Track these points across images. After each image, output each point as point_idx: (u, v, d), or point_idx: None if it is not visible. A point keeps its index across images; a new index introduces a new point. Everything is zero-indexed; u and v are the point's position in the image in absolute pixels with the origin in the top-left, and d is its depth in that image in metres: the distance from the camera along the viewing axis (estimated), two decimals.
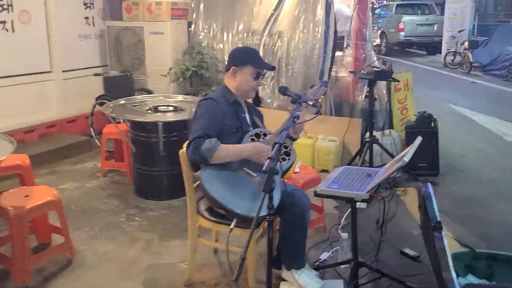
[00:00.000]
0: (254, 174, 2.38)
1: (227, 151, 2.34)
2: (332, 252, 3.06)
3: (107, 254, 3.04)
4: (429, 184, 2.42)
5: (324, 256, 3.04)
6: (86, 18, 5.55)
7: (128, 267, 2.89)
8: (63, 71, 5.33)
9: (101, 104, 5.10)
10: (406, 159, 2.08)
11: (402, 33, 14.45)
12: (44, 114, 5.18)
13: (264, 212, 2.24)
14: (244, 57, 2.55)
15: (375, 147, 4.19)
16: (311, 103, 2.35)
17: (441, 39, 13.35)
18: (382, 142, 4.27)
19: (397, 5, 15.97)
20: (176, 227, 3.42)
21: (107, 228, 3.40)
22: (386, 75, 3.90)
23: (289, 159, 2.51)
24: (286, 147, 2.51)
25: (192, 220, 2.63)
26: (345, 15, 4.70)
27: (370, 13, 4.59)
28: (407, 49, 16.09)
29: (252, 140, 2.50)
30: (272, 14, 5.02)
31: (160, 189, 3.90)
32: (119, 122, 4.80)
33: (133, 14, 5.39)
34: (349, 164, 4.45)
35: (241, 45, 5.10)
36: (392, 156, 4.35)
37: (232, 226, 2.28)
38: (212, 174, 2.37)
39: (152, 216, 3.59)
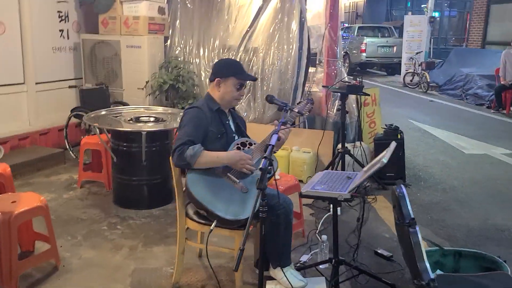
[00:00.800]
0: (237, 180, 2.52)
1: (209, 157, 2.48)
2: (311, 255, 3.22)
3: (92, 260, 3.07)
4: (402, 186, 2.63)
5: (304, 258, 3.19)
6: (61, 30, 5.57)
7: (114, 272, 2.93)
8: (36, 83, 5.31)
9: (76, 116, 5.12)
10: (385, 160, 2.28)
11: (364, 54, 15.08)
12: (16, 126, 5.12)
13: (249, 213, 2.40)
14: (228, 69, 2.71)
15: (347, 157, 4.43)
16: (296, 110, 2.54)
17: (400, 61, 14.04)
18: (353, 153, 4.51)
19: (359, 27, 16.68)
20: (158, 234, 3.49)
21: (89, 236, 3.42)
22: (357, 89, 4.16)
23: (271, 167, 2.66)
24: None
25: (181, 222, 2.73)
26: (317, 33, 4.97)
27: (340, 32, 4.88)
28: (368, 70, 16.77)
29: (238, 148, 2.65)
30: (247, 31, 5.24)
31: (140, 198, 3.96)
32: (94, 134, 4.85)
33: (110, 28, 5.46)
34: None
35: (217, 60, 5.27)
36: (363, 166, 4.60)
37: (212, 227, 2.43)
38: (197, 177, 2.50)
39: (133, 224, 3.64)
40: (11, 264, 2.62)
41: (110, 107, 5.10)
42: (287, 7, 4.93)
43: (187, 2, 5.66)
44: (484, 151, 6.06)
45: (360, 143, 4.74)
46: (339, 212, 3.87)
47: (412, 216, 2.46)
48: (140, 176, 3.90)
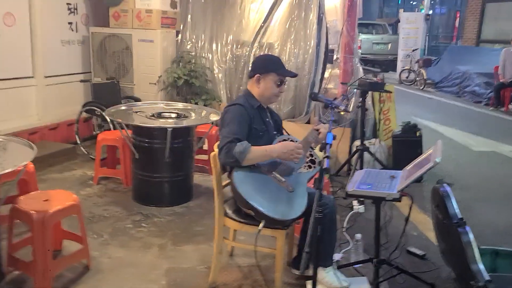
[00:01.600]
0: (283, 179, 2.48)
1: (258, 152, 2.42)
2: (343, 253, 3.20)
3: (122, 259, 3.00)
4: (446, 185, 2.63)
5: (337, 256, 3.16)
6: (70, 23, 5.44)
7: (148, 271, 2.87)
8: (45, 77, 5.18)
9: (88, 111, 5.00)
10: (438, 160, 2.26)
11: (359, 51, 15.10)
12: (25, 120, 5.00)
13: (300, 212, 2.37)
14: (268, 65, 2.66)
15: (365, 154, 4.42)
16: (342, 108, 2.50)
17: (395, 58, 14.10)
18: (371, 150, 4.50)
19: None
20: (186, 232, 3.43)
21: (115, 234, 3.35)
22: (379, 86, 4.14)
23: (314, 167, 2.63)
24: (311, 155, 2.63)
25: (219, 221, 2.67)
26: (334, 29, 4.93)
27: (357, 29, 4.85)
28: (363, 67, 16.82)
29: None
30: (261, 26, 5.18)
31: (162, 195, 3.89)
32: (107, 130, 4.75)
33: (121, 21, 5.35)
34: (338, 171, 4.67)
35: (231, 55, 5.20)
36: (381, 163, 4.61)
37: (260, 227, 2.38)
38: (243, 177, 2.45)
39: (158, 222, 3.57)
40: (46, 264, 2.54)
41: (121, 102, 5.00)
42: (305, 2, 4.88)
43: None
44: (491, 148, 6.12)
45: (377, 140, 4.73)
46: (362, 210, 3.91)
47: (460, 215, 2.46)
48: (162, 173, 3.83)
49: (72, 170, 4.67)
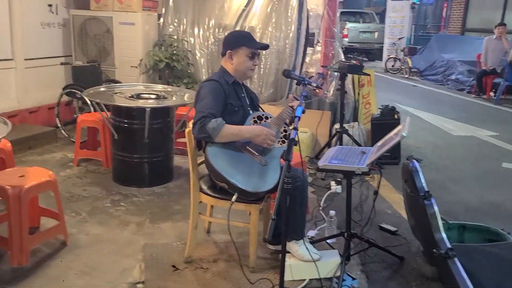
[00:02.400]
0: (256, 153, 2.53)
1: (231, 131, 2.47)
2: (318, 230, 3.27)
3: (100, 236, 3.04)
4: (414, 160, 2.70)
5: (311, 233, 3.24)
6: (49, 5, 5.39)
7: (124, 247, 2.91)
8: (25, 59, 5.14)
9: (68, 94, 4.99)
10: (405, 134, 2.33)
11: (346, 39, 15.15)
12: (4, 103, 4.96)
13: (272, 184, 2.42)
14: (238, 39, 2.69)
15: (344, 137, 4.48)
16: (314, 85, 2.55)
17: (381, 47, 14.18)
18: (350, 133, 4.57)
19: (341, 12, 16.70)
20: (164, 211, 3.47)
21: (94, 213, 3.38)
22: (358, 69, 4.20)
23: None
24: (285, 131, 2.68)
25: (195, 197, 2.72)
26: (316, 13, 4.96)
27: (338, 12, 4.89)
28: (349, 55, 16.87)
29: (255, 122, 2.65)
30: (243, 10, 5.20)
31: (141, 176, 3.92)
32: (88, 112, 4.75)
33: (102, 4, 5.31)
34: (318, 154, 4.74)
35: (213, 39, 5.21)
36: (360, 145, 4.68)
37: (233, 199, 2.43)
38: (217, 150, 2.49)
39: (137, 201, 3.61)
40: (22, 239, 2.57)
41: (102, 85, 4.99)
42: None
43: None
44: (470, 133, 6.24)
45: (357, 124, 4.80)
46: (339, 190, 3.98)
47: (427, 189, 2.53)
48: (141, 153, 3.85)
49: (52, 153, 4.67)
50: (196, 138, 2.55)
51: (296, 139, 2.09)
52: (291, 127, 2.51)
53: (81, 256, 2.77)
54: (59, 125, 5.04)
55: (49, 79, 5.41)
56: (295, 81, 4.93)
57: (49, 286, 2.48)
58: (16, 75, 5.09)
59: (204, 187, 2.71)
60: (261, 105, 2.91)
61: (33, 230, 2.99)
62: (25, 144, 4.69)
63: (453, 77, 10.73)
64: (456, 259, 2.22)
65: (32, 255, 2.71)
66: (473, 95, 9.39)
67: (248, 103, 2.76)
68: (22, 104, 5.15)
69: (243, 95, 2.73)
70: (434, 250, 2.27)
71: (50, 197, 3.43)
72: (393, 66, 12.97)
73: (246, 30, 5.16)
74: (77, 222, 3.21)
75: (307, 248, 2.64)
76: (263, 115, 2.68)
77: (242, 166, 2.46)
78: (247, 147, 2.54)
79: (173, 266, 2.71)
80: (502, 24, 9.05)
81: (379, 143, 2.69)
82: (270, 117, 2.68)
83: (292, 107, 2.65)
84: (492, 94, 9.08)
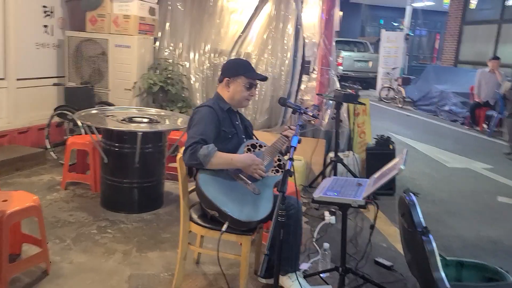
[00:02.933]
0: (249, 182, 2.45)
1: (223, 159, 2.40)
2: (311, 263, 3.16)
3: (84, 264, 2.91)
4: (412, 194, 2.63)
5: (304, 266, 3.12)
6: (45, 26, 5.36)
7: (109, 277, 2.78)
8: (17, 79, 5.08)
9: (59, 115, 4.91)
10: (403, 167, 2.26)
11: (341, 67, 15.29)
12: None
13: (265, 214, 2.33)
14: (237, 68, 2.65)
15: (339, 166, 4.42)
16: (310, 114, 2.49)
17: (375, 75, 14.32)
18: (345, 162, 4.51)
19: (336, 41, 16.92)
20: (152, 239, 3.35)
21: (79, 239, 3.25)
22: (353, 98, 4.17)
23: (282, 171, 2.60)
24: (279, 160, 2.61)
25: (184, 226, 2.61)
26: (311, 41, 4.97)
27: (334, 42, 4.90)
28: (343, 83, 17.01)
29: (248, 150, 2.58)
30: (240, 36, 5.20)
31: (131, 202, 3.80)
32: (78, 134, 4.66)
33: (98, 26, 5.29)
34: (312, 183, 4.66)
35: (208, 64, 5.18)
36: (354, 175, 4.61)
37: (223, 228, 2.33)
38: (208, 177, 2.41)
39: (125, 228, 3.49)
40: (1, 268, 2.44)
41: (94, 107, 4.92)
42: (283, 14, 4.92)
43: (178, 4, 5.57)
44: (465, 165, 6.20)
45: (351, 153, 4.75)
46: (333, 221, 3.89)
47: (424, 224, 2.45)
48: (132, 178, 3.75)
49: (40, 175, 4.55)
50: (187, 164, 2.46)
51: (292, 170, 2.01)
52: (286, 157, 2.44)
53: (63, 286, 2.64)
54: (48, 146, 4.93)
55: (40, 100, 5.34)
56: (289, 109, 4.93)
57: None
58: (7, 94, 5.02)
59: (195, 216, 2.61)
60: (255, 132, 2.85)
61: (13, 257, 2.86)
62: (12, 165, 4.58)
63: (446, 108, 10.78)
64: None
65: (11, 284, 2.57)
66: (467, 127, 9.42)
67: (242, 130, 2.70)
68: (12, 125, 5.06)
69: (237, 122, 2.67)
70: None
71: (34, 222, 3.32)
72: (387, 95, 13.05)
73: (242, 56, 5.16)
74: (61, 249, 3.08)
75: (300, 283, 2.53)
76: (257, 143, 2.62)
77: (235, 194, 2.38)
78: (240, 174, 2.47)
79: None
80: (495, 57, 9.16)
81: (376, 175, 2.62)
82: (264, 146, 2.61)
83: (286, 136, 2.59)
84: (485, 126, 9.11)
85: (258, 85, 2.74)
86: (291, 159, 1.99)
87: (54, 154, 4.91)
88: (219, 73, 5.30)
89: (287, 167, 1.96)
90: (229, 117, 2.60)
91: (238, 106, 2.71)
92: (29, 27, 5.15)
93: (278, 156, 2.60)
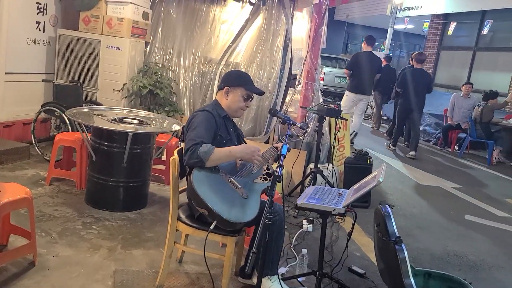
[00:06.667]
0: (239, 185, 2.59)
1: (222, 153, 2.52)
2: (288, 267, 3.32)
3: (70, 258, 2.98)
4: (387, 206, 2.82)
5: (282, 270, 3.27)
6: (37, 23, 5.41)
7: (95, 271, 2.86)
8: (5, 73, 5.10)
9: (46, 112, 4.95)
10: (381, 179, 2.45)
11: (322, 82, 15.63)
12: None
13: (251, 217, 2.47)
14: (238, 79, 2.81)
15: (318, 178, 4.61)
16: (299, 125, 2.67)
17: None
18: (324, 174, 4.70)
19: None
20: (136, 237, 3.44)
21: (64, 234, 3.32)
22: (335, 113, 4.37)
23: (269, 179, 2.76)
24: (268, 169, 2.77)
25: (172, 225, 2.73)
26: (298, 55, 5.17)
27: (320, 58, 5.12)
28: (324, 98, 17.37)
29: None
30: (229, 46, 5.36)
31: (116, 200, 3.88)
32: (65, 131, 4.71)
33: (91, 26, 5.38)
34: (291, 192, 4.84)
35: (197, 71, 5.33)
36: (332, 187, 4.81)
37: (211, 226, 2.46)
38: (202, 177, 2.51)
39: (109, 226, 3.57)
40: None
41: (82, 105, 4.98)
42: (273, 28, 5.12)
43: (171, 10, 5.71)
44: (436, 183, 6.49)
45: (332, 166, 4.94)
46: (310, 229, 4.06)
47: (398, 234, 2.64)
48: (119, 177, 3.84)
49: (24, 170, 4.58)
50: (187, 164, 2.55)
51: (281, 176, 2.17)
52: (275, 165, 2.59)
53: (49, 278, 2.71)
54: (33, 141, 4.96)
55: (28, 95, 5.36)
56: (274, 119, 5.11)
57: None
58: None
59: (182, 216, 2.73)
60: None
61: (0, 248, 2.92)
62: None
63: (421, 128, 11.17)
64: None
65: None
66: (439, 147, 9.80)
67: (235, 138, 2.84)
68: None
69: (232, 129, 2.82)
70: None
71: (20, 214, 3.39)
72: (365, 112, 13.39)
73: (230, 66, 5.32)
74: (47, 242, 3.15)
75: (281, 284, 2.68)
76: None
77: (225, 196, 2.50)
78: (231, 178, 2.60)
79: None
80: (469, 83, 9.61)
81: (355, 186, 2.81)
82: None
83: (276, 148, 2.75)
84: (456, 147, 9.51)
85: (254, 97, 2.90)
86: (281, 166, 2.15)
87: (39, 150, 4.94)
88: (208, 80, 5.45)
89: (277, 173, 2.12)
90: (225, 124, 2.75)
91: (233, 115, 2.85)
92: (22, 22, 5.18)
93: (267, 165, 2.75)
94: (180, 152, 2.73)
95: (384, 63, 10.95)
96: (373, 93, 9.57)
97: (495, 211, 5.50)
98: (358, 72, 7.22)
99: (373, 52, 7.47)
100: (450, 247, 4.13)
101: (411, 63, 8.86)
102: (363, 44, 7.50)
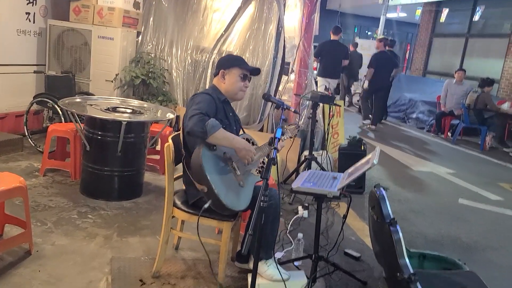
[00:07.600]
0: (239, 173, 2.59)
1: (226, 135, 2.48)
2: (285, 252, 3.34)
3: (66, 247, 2.99)
4: (382, 188, 2.84)
5: (278, 255, 3.30)
6: (27, 13, 5.35)
7: (91, 259, 2.87)
8: None
9: (39, 103, 4.92)
10: (375, 161, 2.46)
11: (315, 72, 15.59)
12: None
13: (244, 206, 2.49)
14: (232, 61, 2.79)
15: (313, 164, 4.62)
16: (292, 109, 2.67)
17: None
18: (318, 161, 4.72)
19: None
20: (132, 225, 3.45)
21: (60, 223, 3.32)
22: (329, 99, 4.38)
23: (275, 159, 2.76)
24: (263, 163, 2.78)
25: (168, 211, 2.73)
26: (291, 43, 5.16)
27: (313, 45, 5.11)
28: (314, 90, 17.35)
29: None
30: (222, 35, 5.34)
31: (111, 189, 3.88)
32: (58, 122, 4.69)
33: (81, 16, 5.33)
34: (286, 179, 4.85)
35: (190, 60, 5.31)
36: None
37: (206, 205, 2.44)
38: (211, 156, 2.49)
39: (105, 215, 3.57)
40: None
41: (76, 96, 4.95)
42: (265, 16, 5.10)
43: (162, 0, 5.66)
44: (429, 169, 6.54)
45: (325, 152, 4.96)
46: (306, 215, 4.09)
47: (392, 216, 2.66)
48: (113, 167, 3.83)
49: (17, 161, 4.56)
50: (189, 130, 2.44)
51: (276, 159, 2.18)
52: (271, 148, 2.60)
53: (45, 267, 2.72)
54: (26, 133, 4.93)
55: (20, 87, 5.32)
56: (268, 107, 5.11)
57: None
58: None
59: (178, 202, 2.74)
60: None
61: None
62: None
63: (414, 115, 11.22)
64: (418, 284, 2.34)
65: None
66: (432, 134, 9.85)
67: (234, 123, 2.84)
68: None
69: (231, 114, 2.81)
70: (398, 274, 2.38)
71: (14, 204, 3.38)
72: (358, 101, 13.43)
73: (223, 54, 5.30)
74: (42, 232, 3.15)
75: (277, 267, 2.69)
76: (250, 140, 2.76)
77: (225, 179, 2.50)
78: (234, 163, 2.58)
79: (141, 281, 2.70)
80: (461, 69, 9.64)
81: (349, 170, 2.82)
82: (255, 145, 2.76)
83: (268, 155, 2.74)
84: (449, 134, 9.56)
85: (251, 78, 2.87)
86: (275, 149, 2.16)
87: (32, 141, 4.92)
88: (201, 69, 5.42)
89: (272, 155, 2.12)
90: (223, 108, 2.73)
91: (233, 98, 2.81)
92: (11, 13, 5.14)
93: (263, 160, 2.76)
94: (175, 139, 2.73)
95: (351, 49, 12.13)
96: (341, 76, 10.66)
97: (488, 194, 5.55)
98: (325, 59, 8.28)
99: (338, 41, 8.41)
100: (444, 230, 4.18)
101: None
102: (330, 33, 8.38)
